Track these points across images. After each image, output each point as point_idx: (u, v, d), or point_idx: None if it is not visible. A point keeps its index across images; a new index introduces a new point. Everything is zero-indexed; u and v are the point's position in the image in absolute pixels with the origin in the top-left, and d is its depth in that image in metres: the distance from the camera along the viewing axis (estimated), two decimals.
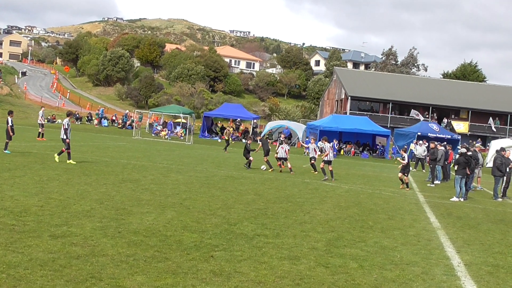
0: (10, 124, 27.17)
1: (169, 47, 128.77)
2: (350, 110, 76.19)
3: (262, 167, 30.81)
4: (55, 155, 24.71)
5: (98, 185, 18.42)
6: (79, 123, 69.27)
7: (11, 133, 26.98)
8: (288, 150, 30.90)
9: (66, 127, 25.18)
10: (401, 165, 26.90)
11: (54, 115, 67.93)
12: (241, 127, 69.38)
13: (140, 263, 9.58)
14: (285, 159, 30.44)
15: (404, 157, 27.00)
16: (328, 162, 28.53)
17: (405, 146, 32.66)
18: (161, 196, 17.39)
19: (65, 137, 24.90)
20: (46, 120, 41.19)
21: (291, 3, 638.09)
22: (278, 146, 31.76)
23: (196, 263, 9.90)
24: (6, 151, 25.96)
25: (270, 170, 30.08)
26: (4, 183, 16.98)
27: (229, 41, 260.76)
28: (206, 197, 18.11)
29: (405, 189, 26.38)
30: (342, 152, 56.06)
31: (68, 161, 24.35)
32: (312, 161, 31.94)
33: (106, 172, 22.30)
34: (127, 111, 65.95)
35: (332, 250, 11.95)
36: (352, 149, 57.22)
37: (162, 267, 9.48)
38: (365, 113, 74.46)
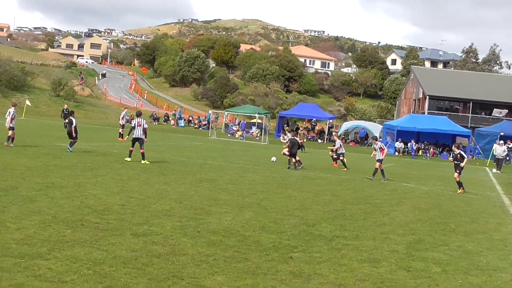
0: (74, 124, 27.38)
1: (243, 47, 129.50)
2: (428, 109, 74.59)
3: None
4: (143, 161, 24.41)
5: (177, 185, 18.65)
6: (156, 123, 70.54)
7: (74, 134, 27.15)
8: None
9: (146, 126, 25.43)
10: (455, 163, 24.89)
11: (132, 116, 69.13)
12: (317, 127, 69.12)
13: (219, 263, 9.60)
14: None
15: (456, 154, 25.07)
16: (379, 161, 27.30)
17: (459, 143, 30.78)
18: (238, 196, 17.45)
19: (143, 137, 25.11)
20: (125, 121, 41.83)
21: (365, 2, 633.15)
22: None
23: (275, 264, 9.85)
24: (69, 150, 26.18)
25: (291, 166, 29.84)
26: (87, 182, 17.40)
27: (303, 41, 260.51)
28: (283, 197, 18.07)
29: (460, 191, 24.19)
30: (420, 152, 55.12)
31: (127, 159, 24.46)
32: (341, 158, 31.87)
33: (183, 172, 22.57)
34: (210, 111, 66.84)
35: (413, 253, 11.68)
36: (431, 149, 56.16)
37: (241, 267, 9.48)
38: (444, 112, 72.77)
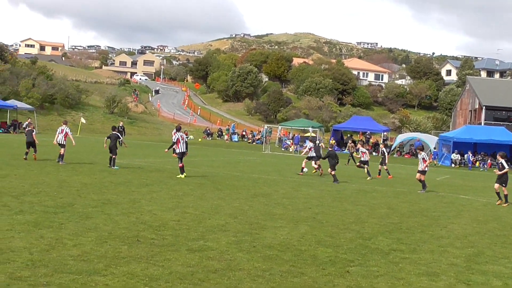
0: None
1: (296, 61, 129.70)
2: (485, 120, 73.18)
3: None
4: (181, 175, 24.51)
5: (231, 200, 18.67)
6: (210, 138, 71.04)
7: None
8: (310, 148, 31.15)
9: (186, 140, 25.58)
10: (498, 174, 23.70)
11: (186, 131, 69.89)
12: (371, 140, 68.56)
13: (276, 277, 9.53)
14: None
15: (499, 163, 24.05)
16: (422, 172, 26.44)
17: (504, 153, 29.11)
18: (294, 210, 17.36)
19: (185, 150, 25.18)
20: None
21: (418, 13, 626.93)
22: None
23: (332, 278, 9.73)
24: (115, 167, 26.17)
25: (315, 172, 31.02)
26: (142, 198, 17.57)
27: (356, 53, 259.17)
28: (338, 211, 17.91)
29: (503, 205, 22.91)
30: (477, 164, 54.05)
31: (179, 176, 24.35)
32: (366, 166, 31.98)
33: (238, 187, 22.60)
34: (266, 126, 67.03)
35: (472, 267, 11.41)
36: (489, 161, 55.00)
37: (298, 282, 9.38)
38: (501, 123, 71.23)
